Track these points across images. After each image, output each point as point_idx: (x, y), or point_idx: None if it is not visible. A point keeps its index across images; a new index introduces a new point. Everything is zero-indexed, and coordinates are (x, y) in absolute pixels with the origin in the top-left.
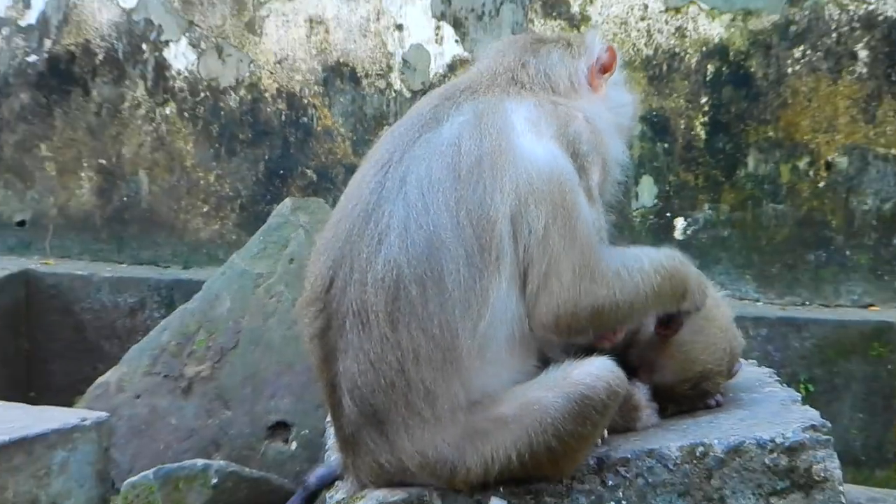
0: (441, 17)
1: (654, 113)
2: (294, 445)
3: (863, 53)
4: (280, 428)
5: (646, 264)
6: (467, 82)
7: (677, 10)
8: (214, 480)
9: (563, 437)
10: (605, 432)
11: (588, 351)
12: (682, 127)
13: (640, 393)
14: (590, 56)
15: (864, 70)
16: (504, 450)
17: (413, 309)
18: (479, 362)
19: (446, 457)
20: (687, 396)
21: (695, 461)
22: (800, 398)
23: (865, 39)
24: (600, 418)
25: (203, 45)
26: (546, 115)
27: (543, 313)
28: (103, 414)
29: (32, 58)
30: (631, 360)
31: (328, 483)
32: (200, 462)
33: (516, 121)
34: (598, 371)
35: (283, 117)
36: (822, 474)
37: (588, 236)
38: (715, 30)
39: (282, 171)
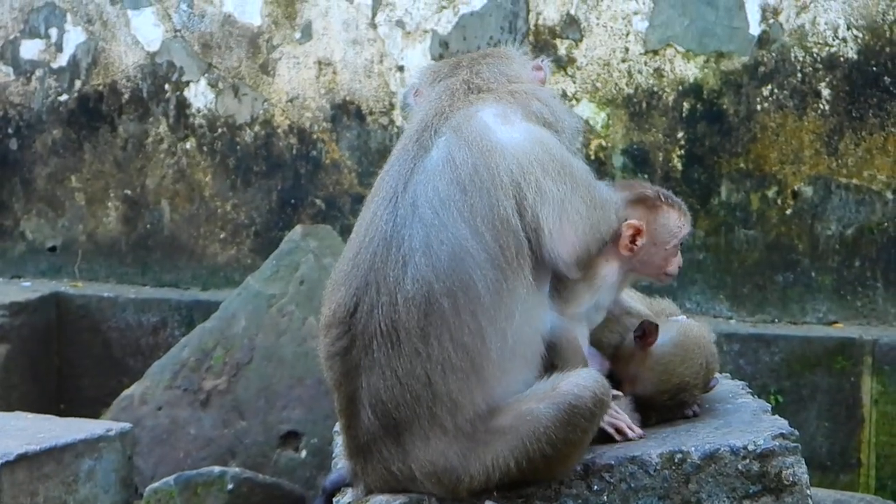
0: (439, 58)
1: (635, 146)
2: (304, 453)
3: (826, 92)
4: (291, 437)
5: None
6: (433, 110)
7: (656, 53)
8: (230, 486)
9: (555, 443)
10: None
11: None
12: (661, 159)
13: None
14: (527, 62)
15: (827, 107)
16: (503, 458)
17: (445, 321)
18: (500, 372)
19: (454, 466)
20: (666, 406)
21: (673, 467)
22: (770, 408)
23: (828, 79)
24: (588, 425)
25: (221, 86)
26: (508, 104)
27: (568, 244)
28: (127, 425)
29: (64, 97)
30: (614, 373)
31: (340, 487)
32: (217, 469)
33: (488, 119)
34: (584, 381)
35: (294, 151)
36: (791, 479)
37: (586, 173)
38: (690, 70)
39: (293, 201)
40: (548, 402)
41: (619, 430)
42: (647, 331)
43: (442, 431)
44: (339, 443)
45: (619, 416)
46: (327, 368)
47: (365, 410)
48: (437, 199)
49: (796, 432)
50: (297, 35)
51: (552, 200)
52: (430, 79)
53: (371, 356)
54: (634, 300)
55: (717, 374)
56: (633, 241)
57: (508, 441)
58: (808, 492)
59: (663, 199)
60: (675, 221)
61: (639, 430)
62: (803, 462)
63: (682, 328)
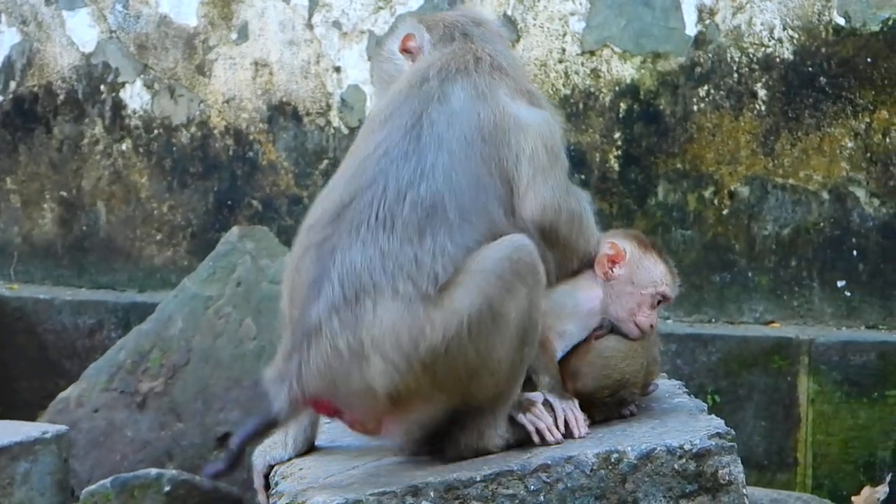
0: None
1: (572, 147)
2: None
3: (762, 92)
4: (228, 439)
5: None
6: (450, 66)
7: (592, 53)
8: (167, 488)
9: (497, 303)
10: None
11: None
12: (598, 160)
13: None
14: (504, 36)
15: (763, 107)
16: (456, 316)
17: (448, 226)
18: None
19: (411, 328)
20: (606, 404)
21: (610, 467)
22: (706, 408)
23: (764, 79)
24: (525, 281)
25: (157, 87)
26: (517, 91)
27: (533, 204)
28: (63, 427)
29: None
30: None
31: (256, 433)
32: (154, 471)
33: (504, 96)
34: (517, 241)
35: (231, 152)
36: (727, 478)
37: (567, 166)
38: (627, 71)
39: (230, 202)
40: (492, 256)
41: (538, 431)
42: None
43: (407, 298)
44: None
45: (542, 416)
46: (294, 266)
47: (330, 285)
48: (463, 139)
49: (732, 432)
50: (234, 36)
51: (537, 165)
52: (437, 38)
53: (355, 237)
54: None
55: (657, 378)
56: (611, 264)
57: (460, 299)
58: (744, 491)
59: (657, 249)
60: (660, 272)
61: (558, 435)
62: (739, 461)
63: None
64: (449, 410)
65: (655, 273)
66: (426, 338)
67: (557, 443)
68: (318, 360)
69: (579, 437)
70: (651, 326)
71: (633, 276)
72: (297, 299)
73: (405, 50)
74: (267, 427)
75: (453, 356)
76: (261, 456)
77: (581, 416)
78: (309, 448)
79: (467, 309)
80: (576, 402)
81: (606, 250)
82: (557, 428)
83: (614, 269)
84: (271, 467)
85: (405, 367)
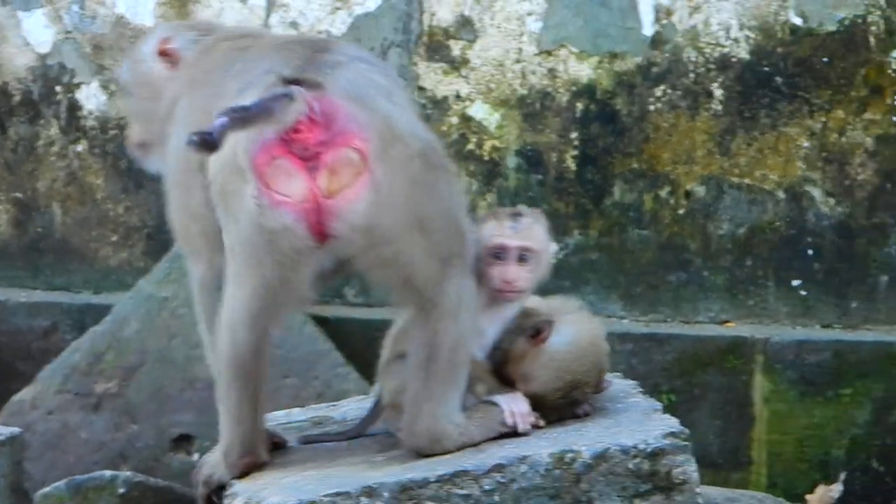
0: None
1: (529, 147)
2: (196, 456)
3: (718, 92)
4: (183, 440)
5: None
6: (304, 48)
7: (549, 53)
8: (122, 490)
9: None
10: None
11: None
12: (554, 160)
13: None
14: None
15: (720, 107)
16: None
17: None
18: None
19: None
20: (559, 405)
21: (564, 466)
22: (661, 407)
23: (720, 79)
24: None
25: (113, 87)
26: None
27: None
28: (17, 430)
29: None
30: (508, 373)
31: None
32: (109, 473)
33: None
34: None
35: None
36: (681, 477)
37: None
38: (584, 71)
39: None
40: None
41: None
42: (540, 328)
43: None
44: None
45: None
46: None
47: None
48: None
49: (687, 431)
50: None
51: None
52: (196, 40)
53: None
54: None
55: (609, 375)
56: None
57: None
58: (697, 490)
59: (493, 213)
60: (488, 229)
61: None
62: (693, 461)
63: (577, 327)
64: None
65: (486, 232)
66: None
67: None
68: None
69: (524, 431)
70: (505, 281)
71: (478, 251)
72: None
73: (163, 53)
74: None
75: None
76: (207, 471)
77: (527, 408)
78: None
79: None
80: (520, 395)
81: None
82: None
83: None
84: (221, 487)
85: None
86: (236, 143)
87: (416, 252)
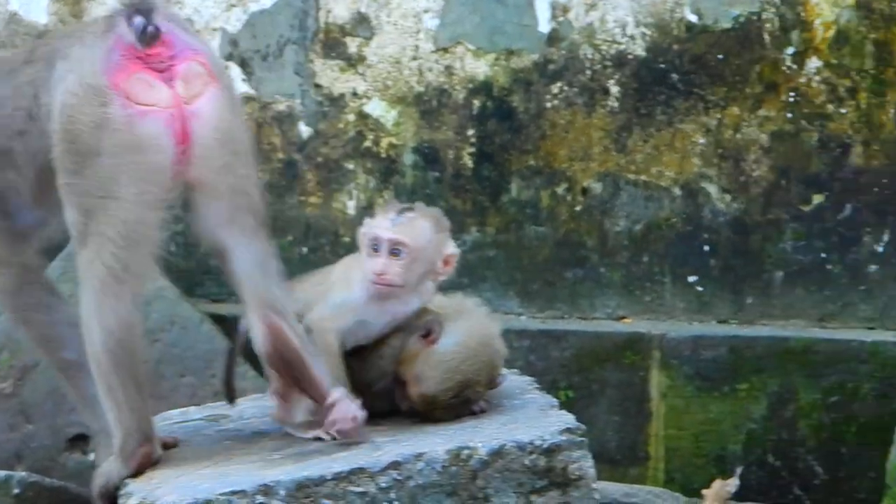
0: (229, 57)
1: (426, 145)
2: (92, 456)
3: (614, 89)
4: (79, 440)
5: None
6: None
7: (446, 51)
8: (16, 490)
9: None
10: None
11: None
12: (451, 157)
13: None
14: None
15: (616, 104)
16: None
17: None
18: None
19: None
20: (451, 405)
21: (461, 463)
22: (557, 403)
23: (617, 76)
24: None
25: None
26: None
27: None
28: None
29: None
30: (401, 374)
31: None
32: (3, 473)
33: None
34: None
35: None
36: (578, 473)
37: None
38: (480, 68)
39: None
40: None
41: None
42: (430, 329)
43: None
44: None
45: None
46: None
47: None
48: None
49: (583, 427)
50: None
51: None
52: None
53: None
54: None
55: (504, 371)
56: None
57: None
58: (594, 486)
59: (385, 204)
60: (371, 220)
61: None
62: (590, 456)
63: (468, 325)
64: None
65: (368, 222)
66: None
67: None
68: None
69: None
70: (376, 273)
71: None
72: None
73: None
74: None
75: None
76: (101, 481)
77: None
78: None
79: None
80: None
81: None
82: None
83: None
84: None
85: None
86: (83, 74)
87: (248, 182)
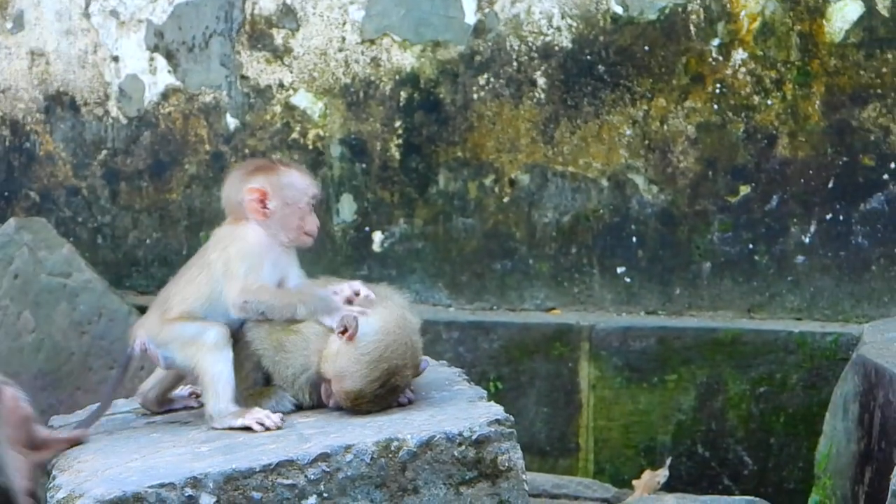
0: (154, 49)
1: (353, 136)
2: None
3: (541, 81)
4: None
5: None
6: None
7: (372, 42)
8: None
9: None
10: None
11: None
12: (379, 149)
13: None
14: None
15: (543, 96)
16: None
17: None
18: None
19: None
20: (379, 396)
21: (390, 455)
22: (486, 395)
23: (543, 68)
24: None
25: None
26: None
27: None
28: None
29: None
30: (324, 373)
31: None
32: None
33: None
34: None
35: (7, 143)
36: (507, 464)
37: None
38: (407, 60)
39: (6, 193)
40: None
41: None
42: (346, 324)
43: None
44: None
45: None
46: None
47: None
48: None
49: (512, 418)
50: (9, 25)
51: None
52: None
53: None
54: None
55: (426, 358)
56: (262, 205)
57: None
58: (523, 476)
59: (281, 163)
60: (300, 180)
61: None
62: (519, 447)
63: (382, 312)
64: None
65: (298, 184)
66: None
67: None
68: None
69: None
70: (318, 226)
71: (286, 199)
72: None
73: None
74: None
75: None
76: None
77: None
78: None
79: None
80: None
81: (248, 197)
82: None
83: (267, 205)
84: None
85: None
86: None
87: None
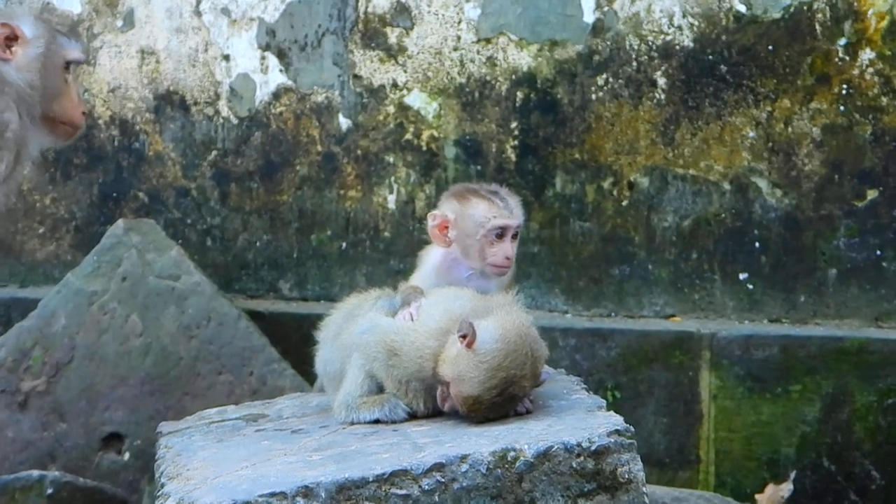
0: (266, 48)
1: (468, 137)
2: (127, 456)
3: (661, 81)
4: (114, 439)
5: None
6: None
7: (488, 41)
8: (49, 491)
9: None
10: None
11: None
12: (494, 150)
13: None
14: None
15: (663, 96)
16: None
17: None
18: None
19: None
20: (496, 404)
21: (506, 465)
22: (604, 404)
23: (663, 68)
24: None
25: None
26: None
27: None
28: None
29: None
30: (442, 375)
31: None
32: (36, 473)
33: None
34: None
35: (116, 143)
36: (627, 476)
37: None
38: (523, 59)
39: (115, 194)
40: None
41: None
42: (465, 330)
43: None
44: (163, 443)
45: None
46: None
47: None
48: None
49: (632, 429)
50: (119, 23)
51: None
52: None
53: None
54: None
55: (546, 367)
56: (444, 233)
57: None
58: (643, 489)
59: (473, 192)
60: (483, 212)
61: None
62: (639, 459)
63: (502, 320)
64: None
65: (478, 216)
66: None
67: None
68: None
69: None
70: (507, 258)
71: (465, 229)
72: None
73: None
74: None
75: None
76: None
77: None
78: None
79: None
80: None
81: (431, 223)
82: None
83: (448, 235)
84: None
85: None
86: None
87: None
